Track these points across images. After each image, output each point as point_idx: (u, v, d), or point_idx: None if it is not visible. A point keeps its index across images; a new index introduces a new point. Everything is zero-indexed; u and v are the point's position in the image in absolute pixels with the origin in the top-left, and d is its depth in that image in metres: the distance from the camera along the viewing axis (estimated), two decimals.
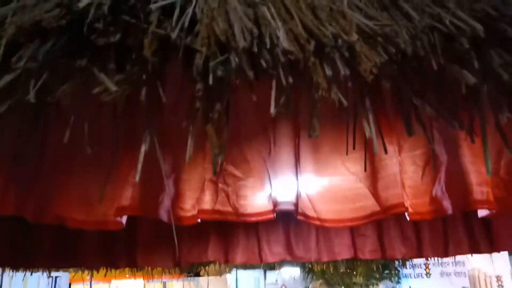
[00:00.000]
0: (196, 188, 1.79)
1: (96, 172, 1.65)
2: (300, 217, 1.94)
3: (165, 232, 3.26)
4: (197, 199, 1.78)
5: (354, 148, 1.36)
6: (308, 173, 1.84)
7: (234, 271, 21.88)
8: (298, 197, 1.85)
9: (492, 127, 1.23)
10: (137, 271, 4.09)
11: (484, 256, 10.43)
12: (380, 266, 13.28)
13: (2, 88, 0.90)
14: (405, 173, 1.78)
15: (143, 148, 0.95)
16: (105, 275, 3.98)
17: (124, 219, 1.81)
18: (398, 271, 13.03)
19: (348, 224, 1.90)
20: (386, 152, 1.41)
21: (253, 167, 1.78)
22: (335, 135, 1.71)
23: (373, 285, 12.99)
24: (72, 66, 0.93)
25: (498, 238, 3.29)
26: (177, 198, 1.76)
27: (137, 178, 0.98)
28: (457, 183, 1.76)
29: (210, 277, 25.04)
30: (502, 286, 10.07)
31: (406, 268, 13.05)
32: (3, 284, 14.49)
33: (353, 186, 1.84)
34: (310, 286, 15.91)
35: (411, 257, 3.54)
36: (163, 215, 1.83)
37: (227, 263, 3.44)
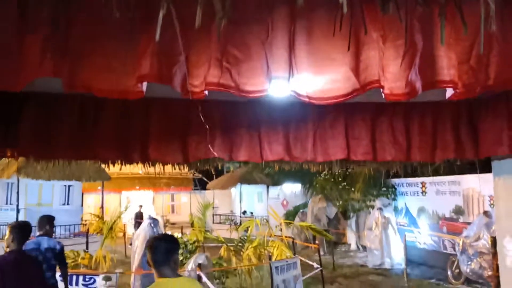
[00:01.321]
0: (204, 67, 2.00)
1: (119, 43, 1.85)
2: (292, 93, 2.17)
3: (176, 129, 3.55)
4: (204, 76, 2.00)
5: (340, 29, 1.53)
6: (301, 57, 2.03)
7: (238, 185, 22.83)
8: (291, 77, 2.05)
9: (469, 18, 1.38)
10: (150, 166, 4.41)
11: (479, 176, 10.92)
12: (377, 183, 13.96)
13: None
14: (387, 60, 1.98)
15: (161, 13, 1.11)
16: (120, 168, 4.31)
17: (144, 87, 2.04)
18: (395, 188, 13.70)
19: (332, 101, 2.11)
20: (366, 32, 1.59)
21: (253, 50, 1.98)
22: (326, 23, 1.88)
23: (370, 201, 13.74)
24: None
25: (483, 143, 3.55)
26: (188, 77, 1.96)
27: (157, 37, 1.15)
28: (429, 67, 1.99)
29: (216, 191, 26.14)
30: (494, 205, 10.57)
31: (403, 186, 13.68)
32: (19, 192, 15.46)
33: (339, 69, 2.04)
34: (310, 200, 16.83)
35: (400, 160, 3.83)
36: (177, 86, 2.05)
37: (231, 161, 3.74)
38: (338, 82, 2.07)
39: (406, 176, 14.92)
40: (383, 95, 2.04)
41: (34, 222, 15.50)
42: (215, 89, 2.04)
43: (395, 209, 13.66)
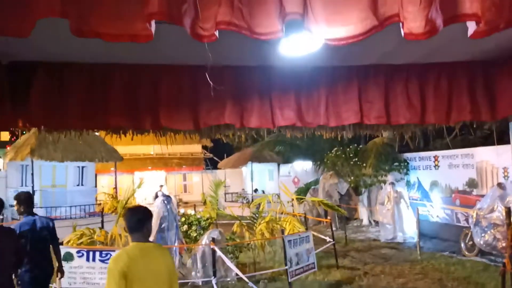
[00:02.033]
0: (214, 7, 1.93)
1: None
2: (306, 31, 2.07)
3: (186, 96, 3.51)
4: (215, 16, 1.94)
5: None
6: None
7: (249, 164, 22.87)
8: (305, 15, 1.98)
9: None
10: (161, 135, 4.37)
11: (492, 148, 10.76)
12: (389, 158, 13.86)
13: None
14: None
15: None
16: (132, 139, 4.29)
17: (153, 28, 1.97)
18: (407, 163, 13.59)
19: (350, 41, 2.01)
20: None
21: None
22: None
23: (382, 176, 13.67)
24: None
25: (500, 104, 3.46)
26: (198, 17, 1.91)
27: None
28: (451, 1, 1.90)
29: (227, 170, 26.25)
30: (508, 177, 10.43)
31: (415, 160, 13.57)
32: (34, 174, 15.68)
33: (356, 6, 1.96)
34: (321, 177, 16.80)
35: (415, 123, 3.75)
36: (187, 26, 1.97)
37: (243, 127, 3.71)
38: (355, 19, 1.98)
39: (418, 150, 14.83)
40: (402, 32, 1.96)
41: (49, 204, 15.72)
42: (226, 29, 1.97)
43: (407, 184, 13.59)
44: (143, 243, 2.92)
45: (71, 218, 14.49)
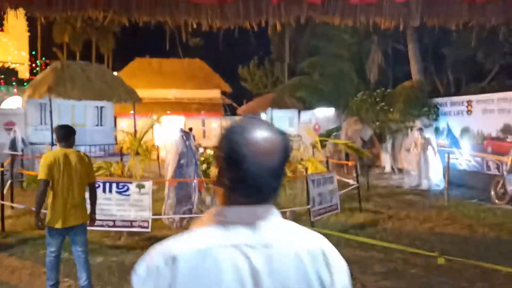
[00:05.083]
0: None
1: None
2: None
3: None
4: None
5: None
6: None
7: (269, 110, 22.41)
8: None
9: None
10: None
11: None
12: (419, 103, 13.16)
13: None
14: None
15: None
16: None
17: None
18: (437, 108, 12.90)
19: None
20: None
21: None
22: None
23: (409, 122, 13.05)
24: None
25: None
26: None
27: None
28: None
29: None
30: None
31: (446, 106, 12.85)
32: (53, 113, 15.57)
33: None
34: (344, 123, 16.26)
35: None
36: None
37: None
38: None
39: (449, 95, 14.05)
40: None
41: None
42: None
43: (436, 130, 12.97)
44: (66, 149, 4.26)
45: (91, 157, 14.46)
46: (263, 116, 25.46)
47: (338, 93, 16.32)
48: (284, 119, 23.81)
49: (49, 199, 4.22)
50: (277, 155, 1.01)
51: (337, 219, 7.95)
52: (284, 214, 6.96)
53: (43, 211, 4.38)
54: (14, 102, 21.24)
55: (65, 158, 4.18)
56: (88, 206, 4.53)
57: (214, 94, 28.26)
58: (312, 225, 6.89)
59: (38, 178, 4.19)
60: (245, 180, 0.98)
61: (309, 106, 20.89)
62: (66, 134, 4.30)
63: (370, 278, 5.20)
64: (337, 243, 6.34)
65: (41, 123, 16.33)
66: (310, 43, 18.74)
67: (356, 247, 6.15)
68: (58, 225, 4.15)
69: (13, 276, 5.22)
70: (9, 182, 8.51)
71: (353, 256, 5.92)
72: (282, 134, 1.05)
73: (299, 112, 22.22)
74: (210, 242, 0.96)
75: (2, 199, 7.44)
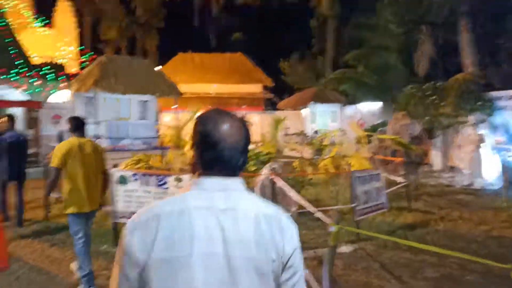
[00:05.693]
0: None
1: None
2: None
3: None
4: None
5: None
6: None
7: (311, 104, 21.92)
8: None
9: None
10: None
11: None
12: (472, 97, 12.33)
13: None
14: None
15: None
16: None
17: None
18: (493, 103, 12.02)
19: None
20: None
21: None
22: None
23: (462, 117, 12.24)
24: None
25: None
26: None
27: None
28: None
29: (287, 111, 25.60)
30: None
31: (503, 100, 11.96)
32: (99, 106, 15.91)
33: None
34: (391, 118, 15.53)
35: None
36: None
37: None
38: None
39: (506, 88, 13.08)
40: None
41: (113, 134, 16.03)
42: None
43: (491, 126, 12.10)
44: (80, 138, 4.49)
45: (134, 150, 14.69)
46: (305, 110, 24.95)
47: (384, 87, 15.64)
48: (326, 114, 23.21)
49: (67, 188, 4.36)
50: (242, 137, 1.27)
51: (383, 219, 7.50)
52: (325, 213, 6.61)
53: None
54: (61, 96, 22.00)
55: (80, 147, 4.42)
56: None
57: (256, 88, 28.07)
58: (356, 225, 6.50)
59: (51, 166, 4.39)
60: (220, 158, 1.23)
61: (352, 101, 20.24)
62: (79, 125, 4.56)
63: (421, 284, 4.79)
64: (384, 245, 5.99)
65: (88, 117, 16.75)
66: (354, 35, 18.07)
67: (406, 249, 5.72)
68: (84, 210, 4.37)
69: (52, 266, 5.23)
70: None
71: (402, 259, 5.51)
72: (243, 121, 1.30)
73: (342, 106, 21.59)
74: (187, 204, 1.19)
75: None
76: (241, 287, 1.15)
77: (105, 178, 4.75)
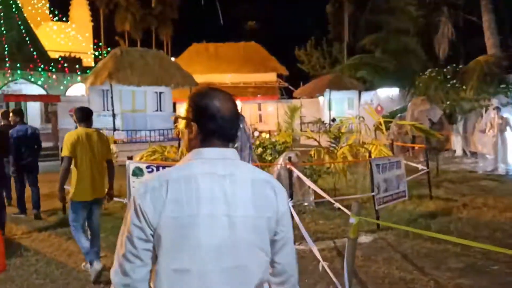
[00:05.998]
0: None
1: None
2: None
3: None
4: None
5: None
6: None
7: (327, 92, 21.56)
8: None
9: None
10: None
11: None
12: (495, 80, 11.89)
13: None
14: None
15: None
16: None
17: None
18: None
19: None
20: None
21: None
22: None
23: (484, 100, 11.83)
24: None
25: None
26: None
27: None
28: None
29: (303, 99, 25.29)
30: None
31: None
32: (115, 99, 15.95)
33: None
34: (410, 104, 15.14)
35: None
36: None
37: None
38: None
39: None
40: None
41: (129, 127, 16.14)
42: None
43: None
44: (87, 128, 4.59)
45: (151, 141, 14.72)
46: (321, 98, 24.63)
47: (402, 71, 15.23)
48: (343, 101, 22.83)
49: (73, 175, 4.52)
50: (235, 111, 1.39)
51: (404, 207, 7.29)
52: (342, 202, 6.46)
53: (66, 187, 4.64)
54: (78, 89, 22.20)
55: (87, 136, 4.55)
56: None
57: (270, 77, 27.83)
58: (376, 214, 6.32)
59: (62, 155, 4.61)
60: (218, 129, 1.35)
61: (370, 87, 19.81)
62: (86, 115, 4.66)
63: (445, 275, 4.60)
64: (405, 234, 5.80)
65: (104, 109, 16.84)
66: (371, 19, 17.62)
67: (427, 239, 5.52)
68: (86, 198, 4.55)
69: (70, 260, 5.23)
70: None
71: (424, 249, 5.32)
72: (231, 96, 1.41)
73: (359, 93, 21.17)
74: (192, 171, 1.30)
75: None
76: (240, 242, 1.29)
77: (110, 166, 4.88)
